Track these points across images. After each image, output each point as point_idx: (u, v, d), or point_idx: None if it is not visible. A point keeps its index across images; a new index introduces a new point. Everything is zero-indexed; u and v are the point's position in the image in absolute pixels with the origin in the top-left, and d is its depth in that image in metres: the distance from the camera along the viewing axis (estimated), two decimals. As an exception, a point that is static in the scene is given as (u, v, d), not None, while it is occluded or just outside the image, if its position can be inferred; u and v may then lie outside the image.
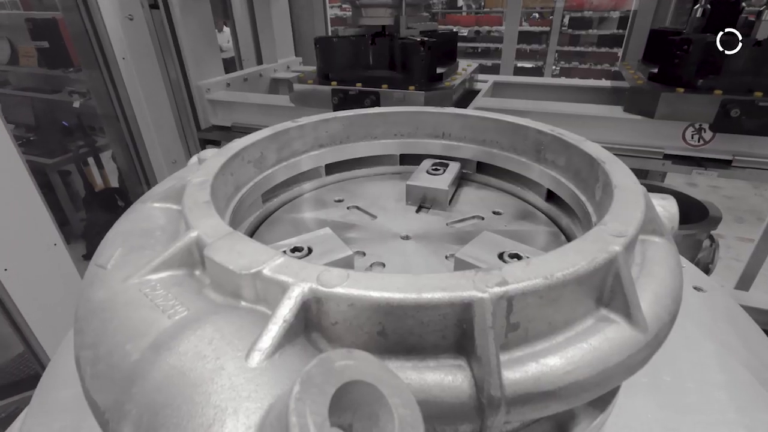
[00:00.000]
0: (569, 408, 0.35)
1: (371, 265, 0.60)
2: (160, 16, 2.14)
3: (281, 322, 0.31)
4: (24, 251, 1.70)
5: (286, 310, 0.32)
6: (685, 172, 1.71)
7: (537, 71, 7.46)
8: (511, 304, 0.33)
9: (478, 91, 2.12)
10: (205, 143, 2.33)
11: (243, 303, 0.36)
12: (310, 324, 0.33)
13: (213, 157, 0.59)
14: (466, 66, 2.17)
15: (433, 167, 0.79)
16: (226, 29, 3.90)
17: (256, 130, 0.71)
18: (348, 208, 0.76)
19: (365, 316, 0.33)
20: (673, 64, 1.65)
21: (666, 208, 0.55)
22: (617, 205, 0.44)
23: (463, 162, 0.82)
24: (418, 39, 1.79)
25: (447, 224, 0.70)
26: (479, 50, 8.90)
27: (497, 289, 0.32)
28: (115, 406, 0.31)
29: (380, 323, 0.33)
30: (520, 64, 7.54)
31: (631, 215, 0.42)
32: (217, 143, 2.26)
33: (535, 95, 2.25)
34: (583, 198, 0.61)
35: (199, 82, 2.23)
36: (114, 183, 3.75)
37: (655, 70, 1.77)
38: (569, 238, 0.67)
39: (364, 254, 0.62)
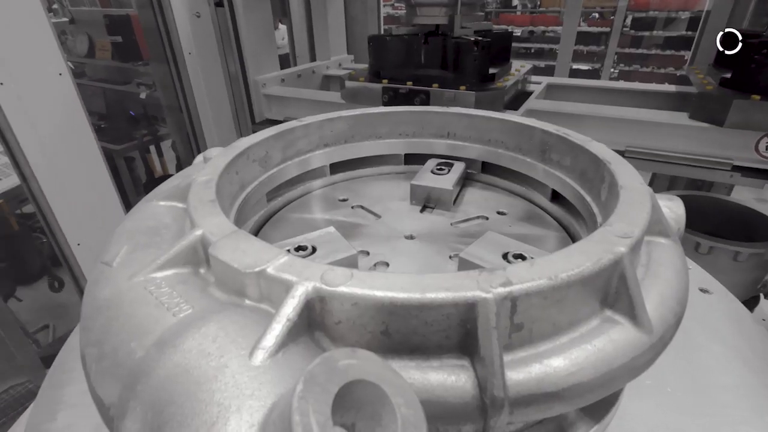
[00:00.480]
0: (573, 409, 0.35)
1: (375, 265, 0.60)
2: (224, 14, 2.24)
3: (285, 321, 0.31)
4: (95, 228, 1.84)
5: (289, 308, 0.32)
6: (757, 186, 1.61)
7: (593, 74, 6.95)
8: (515, 305, 0.33)
9: (530, 93, 2.03)
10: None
11: (247, 301, 0.37)
12: (314, 323, 0.34)
13: (218, 156, 0.60)
14: (519, 67, 2.12)
15: (438, 167, 0.79)
16: (282, 27, 3.98)
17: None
18: (352, 207, 0.76)
19: (369, 315, 0.33)
20: (749, 69, 1.53)
21: (672, 209, 0.55)
22: (623, 206, 0.44)
23: (468, 162, 0.82)
24: (472, 38, 1.76)
25: (451, 224, 0.70)
26: (532, 51, 8.39)
27: (501, 290, 0.32)
28: (119, 402, 0.31)
29: (384, 323, 0.33)
30: (575, 66, 6.93)
31: (637, 216, 0.42)
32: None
33: (591, 99, 2.12)
34: (588, 198, 0.60)
35: (256, 77, 2.30)
36: (171, 171, 3.87)
37: (728, 75, 1.64)
38: (574, 239, 0.66)
39: (368, 254, 0.62)
